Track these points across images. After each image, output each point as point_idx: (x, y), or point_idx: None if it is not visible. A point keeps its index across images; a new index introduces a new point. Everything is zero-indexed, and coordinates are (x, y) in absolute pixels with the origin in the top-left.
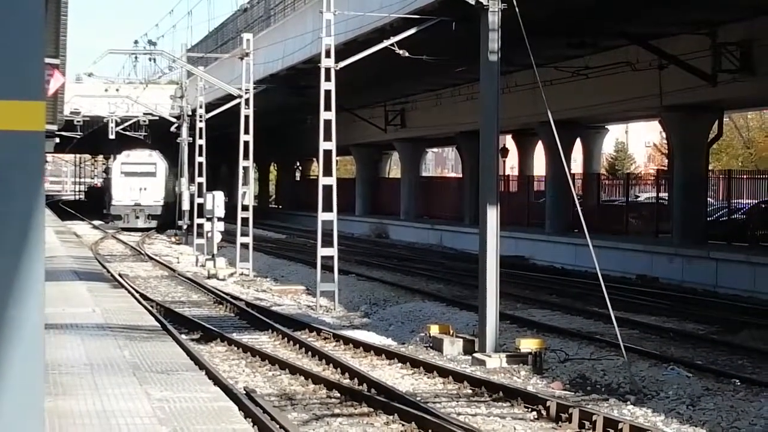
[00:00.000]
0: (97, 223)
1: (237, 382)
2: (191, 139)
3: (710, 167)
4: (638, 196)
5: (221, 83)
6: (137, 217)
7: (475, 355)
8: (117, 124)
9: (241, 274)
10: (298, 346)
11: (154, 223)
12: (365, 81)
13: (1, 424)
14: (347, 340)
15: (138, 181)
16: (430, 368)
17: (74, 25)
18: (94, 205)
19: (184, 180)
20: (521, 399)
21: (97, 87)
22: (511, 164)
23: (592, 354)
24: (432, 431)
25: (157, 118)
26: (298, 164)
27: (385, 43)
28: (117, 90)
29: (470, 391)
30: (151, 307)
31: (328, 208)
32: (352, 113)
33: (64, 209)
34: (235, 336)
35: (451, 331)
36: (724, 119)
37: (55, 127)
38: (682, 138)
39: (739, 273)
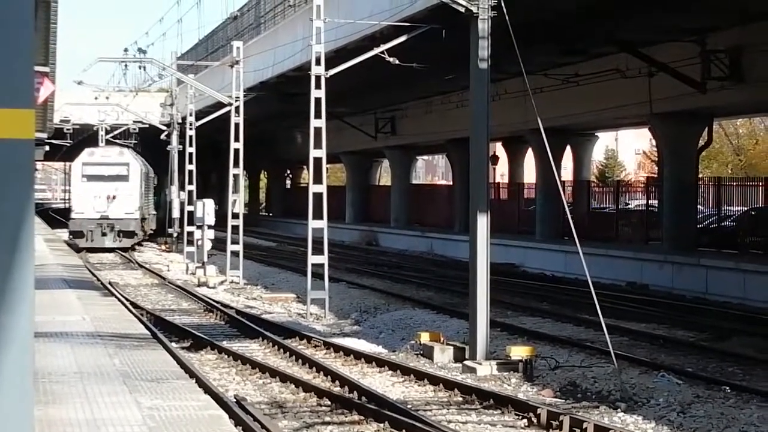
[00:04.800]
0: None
1: (227, 390)
2: (181, 146)
3: (700, 174)
4: (628, 204)
5: (211, 91)
6: (104, 234)
7: (465, 362)
8: (107, 132)
9: (232, 282)
10: (288, 354)
11: (126, 242)
12: (355, 89)
13: None
14: (338, 348)
15: (105, 187)
16: (420, 376)
17: (64, 33)
18: None
19: (174, 188)
20: (512, 406)
21: (86, 95)
22: (501, 171)
23: (582, 361)
24: None
25: (147, 126)
26: (288, 172)
27: (375, 51)
28: (107, 98)
29: (461, 399)
30: (141, 315)
31: (318, 215)
32: (343, 121)
33: (54, 217)
34: (225, 344)
35: (442, 339)
36: (714, 126)
37: (44, 135)
38: (671, 145)
39: (729, 280)
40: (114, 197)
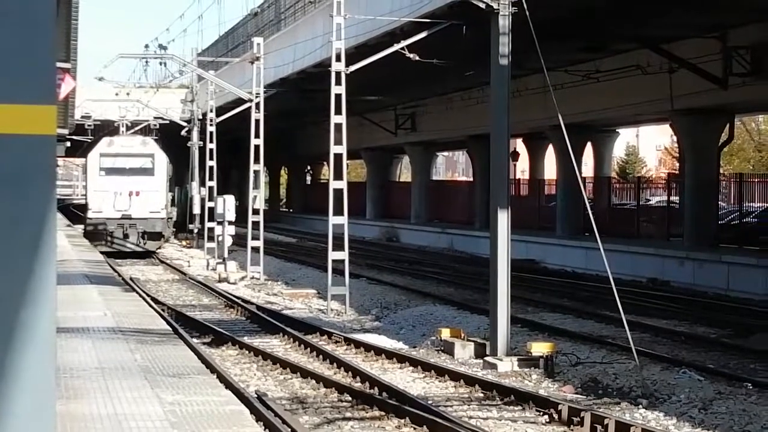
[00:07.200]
0: None
1: (248, 385)
2: (202, 143)
3: (721, 170)
4: (649, 200)
5: (232, 87)
6: (126, 236)
7: (486, 358)
8: (128, 128)
9: (252, 277)
10: (309, 349)
11: (151, 245)
12: (376, 85)
13: (14, 427)
14: (358, 344)
15: (126, 182)
16: (441, 372)
17: (85, 30)
18: None
19: (195, 184)
20: (533, 402)
21: (107, 91)
22: (521, 168)
23: (603, 357)
24: None
25: (167, 122)
26: (308, 168)
27: (396, 47)
28: (128, 94)
29: (482, 395)
30: (162, 310)
31: (338, 211)
32: (363, 117)
33: (75, 213)
34: (246, 339)
35: (463, 335)
36: (736, 122)
37: (66, 131)
38: (693, 141)
39: (750, 276)
40: (137, 193)
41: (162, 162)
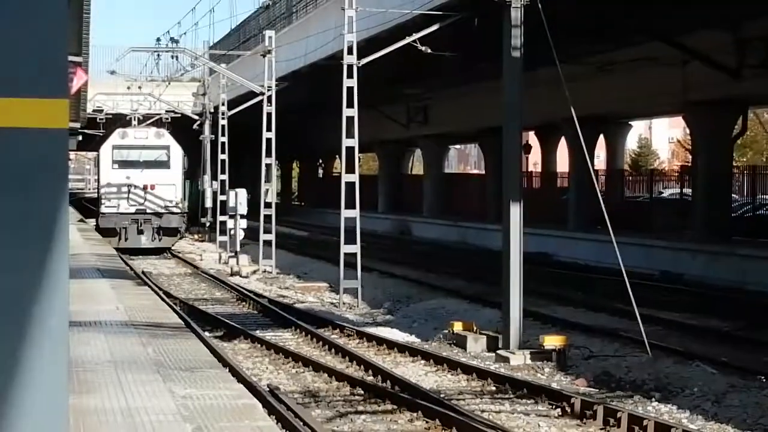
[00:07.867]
0: None
1: (260, 379)
2: (213, 136)
3: (734, 163)
4: (662, 192)
5: (243, 80)
6: (140, 232)
7: (498, 352)
8: (140, 122)
9: (264, 271)
10: (321, 343)
11: (167, 241)
12: (388, 78)
13: (27, 421)
14: (370, 337)
15: (141, 175)
16: (453, 365)
17: (97, 24)
18: None
19: (207, 177)
20: (545, 396)
21: (119, 85)
22: (534, 160)
23: (616, 351)
24: (456, 428)
25: (179, 115)
26: (320, 161)
27: (407, 40)
28: (139, 88)
29: (494, 388)
30: (175, 304)
31: (350, 205)
32: (375, 110)
33: (87, 207)
34: (258, 333)
35: (475, 328)
36: (749, 115)
37: (78, 125)
38: (705, 134)
39: (764, 269)
40: (152, 187)
41: (177, 154)
